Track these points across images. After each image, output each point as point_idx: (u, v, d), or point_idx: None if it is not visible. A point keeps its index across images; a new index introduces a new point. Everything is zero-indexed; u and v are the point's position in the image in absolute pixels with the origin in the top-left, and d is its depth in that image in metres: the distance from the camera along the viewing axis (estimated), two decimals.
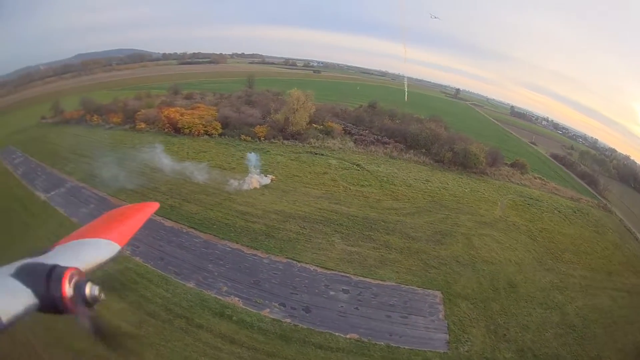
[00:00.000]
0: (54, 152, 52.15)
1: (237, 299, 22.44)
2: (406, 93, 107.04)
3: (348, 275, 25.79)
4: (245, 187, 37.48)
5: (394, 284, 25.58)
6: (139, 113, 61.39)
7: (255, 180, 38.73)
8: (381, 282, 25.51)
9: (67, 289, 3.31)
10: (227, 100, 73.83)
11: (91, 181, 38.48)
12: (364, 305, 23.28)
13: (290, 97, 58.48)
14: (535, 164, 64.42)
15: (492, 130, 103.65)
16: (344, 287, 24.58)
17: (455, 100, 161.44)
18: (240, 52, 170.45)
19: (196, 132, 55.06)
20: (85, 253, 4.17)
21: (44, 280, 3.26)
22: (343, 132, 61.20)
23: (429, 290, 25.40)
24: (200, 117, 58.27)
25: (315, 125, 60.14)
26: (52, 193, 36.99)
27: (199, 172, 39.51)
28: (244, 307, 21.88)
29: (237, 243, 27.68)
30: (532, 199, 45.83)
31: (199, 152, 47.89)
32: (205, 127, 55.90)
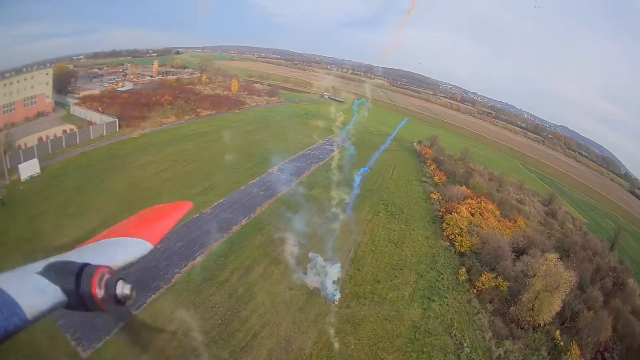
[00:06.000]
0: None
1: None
2: None
3: None
4: None
5: None
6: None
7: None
8: None
9: (98, 288, 3.35)
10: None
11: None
12: None
13: (539, 268, 31.75)
14: None
15: None
16: None
17: None
18: None
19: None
20: (117, 251, 4.17)
21: (73, 279, 3.31)
22: None
23: None
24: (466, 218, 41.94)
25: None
26: None
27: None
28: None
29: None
30: None
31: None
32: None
